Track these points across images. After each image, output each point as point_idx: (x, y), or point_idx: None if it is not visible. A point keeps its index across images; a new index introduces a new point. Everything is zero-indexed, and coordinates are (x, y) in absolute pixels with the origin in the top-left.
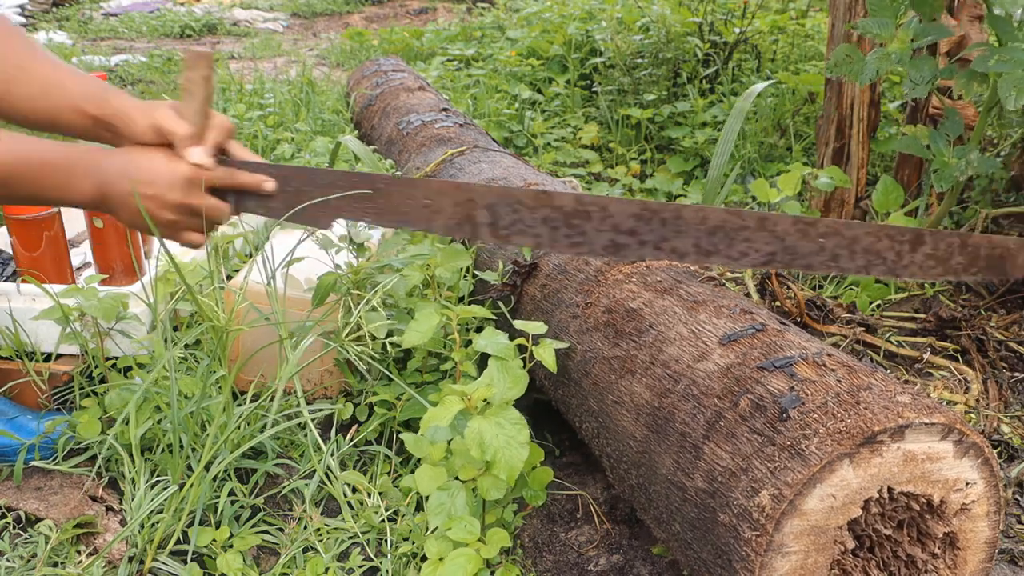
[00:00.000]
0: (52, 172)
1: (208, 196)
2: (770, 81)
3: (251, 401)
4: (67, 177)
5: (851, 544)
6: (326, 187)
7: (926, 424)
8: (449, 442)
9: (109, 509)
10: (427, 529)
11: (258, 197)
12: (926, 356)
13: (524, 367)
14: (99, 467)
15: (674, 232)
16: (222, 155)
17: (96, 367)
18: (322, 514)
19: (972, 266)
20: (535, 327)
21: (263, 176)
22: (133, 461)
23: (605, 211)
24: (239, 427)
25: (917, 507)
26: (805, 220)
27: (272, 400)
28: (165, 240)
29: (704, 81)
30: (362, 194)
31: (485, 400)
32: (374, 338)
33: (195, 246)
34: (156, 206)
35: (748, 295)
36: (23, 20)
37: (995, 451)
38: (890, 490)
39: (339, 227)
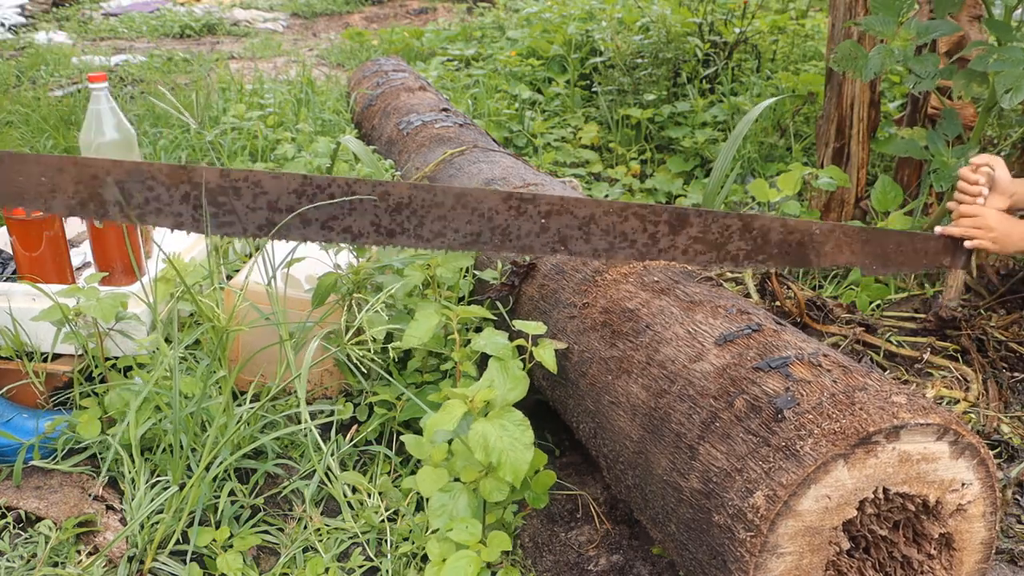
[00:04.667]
0: None
1: None
2: (777, 98)
3: (251, 402)
4: None
5: (846, 545)
6: None
7: (921, 425)
8: (450, 443)
9: (109, 508)
10: (427, 529)
11: None
12: (926, 356)
13: (524, 367)
14: (99, 467)
15: (346, 210)
16: None
17: (96, 367)
18: (322, 514)
19: (759, 253)
20: (534, 327)
21: None
22: (133, 461)
23: (258, 187)
24: (239, 427)
25: (913, 508)
26: (522, 196)
27: (272, 401)
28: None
29: (704, 81)
30: None
31: (487, 402)
32: (375, 339)
33: None
34: None
35: (748, 295)
36: (23, 20)
37: (995, 451)
38: (885, 491)
39: None
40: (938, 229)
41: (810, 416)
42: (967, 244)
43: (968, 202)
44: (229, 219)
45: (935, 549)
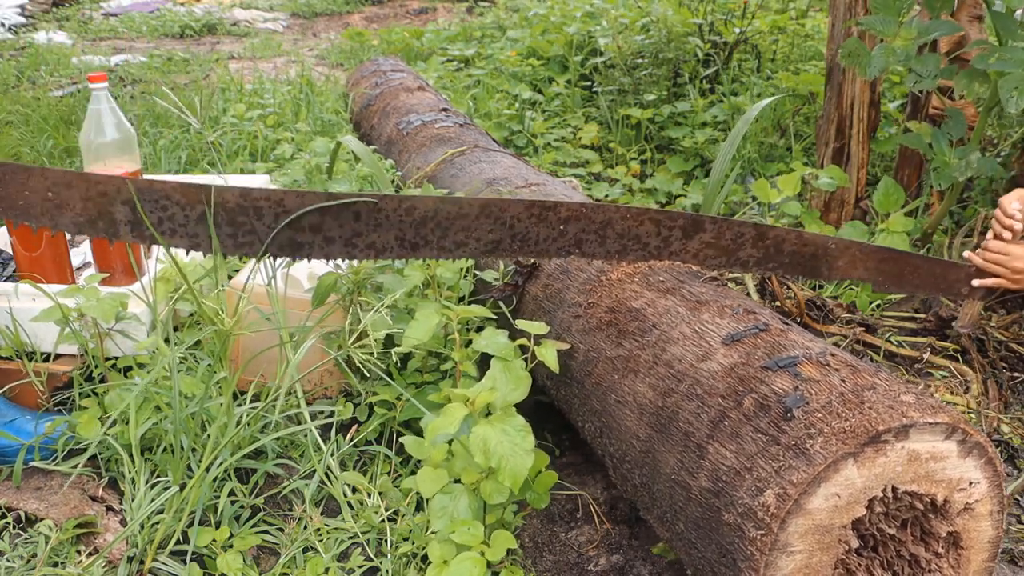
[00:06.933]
0: None
1: None
2: (777, 96)
3: (251, 402)
4: None
5: (855, 543)
6: None
7: (930, 424)
8: (450, 443)
9: (109, 509)
10: (427, 529)
11: None
12: (926, 356)
13: (526, 368)
14: (99, 467)
15: (371, 226)
16: None
17: (96, 367)
18: (322, 514)
19: (770, 261)
20: (537, 327)
21: None
22: (133, 461)
23: (280, 206)
24: (239, 428)
25: (921, 506)
26: (544, 204)
27: (273, 402)
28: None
29: (704, 81)
30: None
31: (488, 404)
32: (376, 341)
33: None
34: None
35: (748, 295)
36: (23, 20)
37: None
38: (894, 489)
39: None
40: (967, 254)
41: (819, 415)
42: (988, 282)
43: (998, 234)
44: (248, 239)
45: (943, 547)
